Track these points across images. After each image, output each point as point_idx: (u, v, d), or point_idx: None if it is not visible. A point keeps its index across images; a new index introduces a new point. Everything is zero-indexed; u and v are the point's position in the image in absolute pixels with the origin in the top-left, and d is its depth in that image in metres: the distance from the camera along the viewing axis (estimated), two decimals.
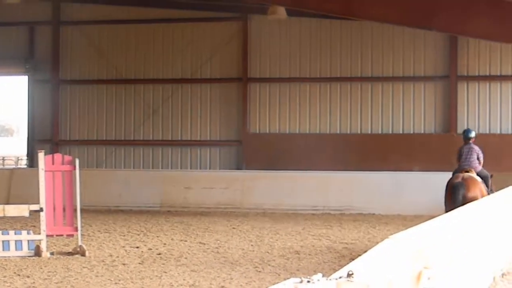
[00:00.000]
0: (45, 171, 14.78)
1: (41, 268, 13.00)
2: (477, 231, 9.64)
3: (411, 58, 27.50)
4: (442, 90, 27.20)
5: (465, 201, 14.89)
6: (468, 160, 17.06)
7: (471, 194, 15.74)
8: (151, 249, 15.41)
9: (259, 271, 12.62)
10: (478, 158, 17.18)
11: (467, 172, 16.64)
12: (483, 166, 17.38)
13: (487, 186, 16.79)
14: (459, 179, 16.16)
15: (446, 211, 14.04)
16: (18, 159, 53.14)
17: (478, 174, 16.84)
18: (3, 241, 14.42)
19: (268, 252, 14.95)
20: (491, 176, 17.52)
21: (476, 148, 17.27)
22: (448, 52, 27.13)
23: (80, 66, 30.06)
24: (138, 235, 18.00)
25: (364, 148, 27.25)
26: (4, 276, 12.13)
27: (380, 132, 27.59)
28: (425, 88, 27.41)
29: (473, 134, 17.56)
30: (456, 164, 17.60)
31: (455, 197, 15.75)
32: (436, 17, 22.91)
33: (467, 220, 9.07)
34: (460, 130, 26.56)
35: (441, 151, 26.64)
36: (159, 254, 14.67)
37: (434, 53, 27.36)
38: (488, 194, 16.25)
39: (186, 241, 16.83)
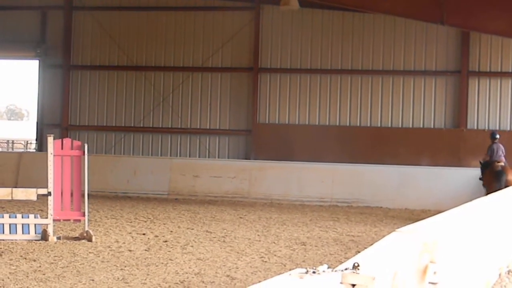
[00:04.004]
0: (54, 155, 14.79)
1: (47, 252, 13.03)
2: (484, 226, 9.62)
3: (423, 53, 27.43)
4: (453, 85, 27.13)
5: (507, 183, 20.05)
6: (498, 154, 21.82)
7: (509, 177, 20.72)
8: (157, 236, 15.42)
9: (265, 261, 12.62)
10: (503, 153, 21.94)
11: (499, 162, 21.49)
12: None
13: None
14: (500, 168, 21.11)
15: (489, 193, 17.28)
16: (27, 143, 53.26)
17: None
18: (10, 224, 14.45)
19: (274, 243, 14.95)
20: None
21: (501, 145, 22.02)
22: (459, 47, 27.05)
23: (92, 52, 30.10)
24: (145, 222, 18.02)
25: (373, 141, 27.23)
26: (11, 259, 12.17)
27: (389, 125, 27.55)
28: (436, 83, 27.35)
29: (498, 136, 22.21)
30: (486, 157, 22.11)
31: (499, 179, 20.64)
32: (448, 12, 22.87)
33: (475, 215, 9.06)
34: (470, 125, 26.66)
35: (450, 146, 26.63)
36: (166, 241, 14.68)
37: (445, 48, 27.27)
38: None
39: (192, 229, 16.85)
